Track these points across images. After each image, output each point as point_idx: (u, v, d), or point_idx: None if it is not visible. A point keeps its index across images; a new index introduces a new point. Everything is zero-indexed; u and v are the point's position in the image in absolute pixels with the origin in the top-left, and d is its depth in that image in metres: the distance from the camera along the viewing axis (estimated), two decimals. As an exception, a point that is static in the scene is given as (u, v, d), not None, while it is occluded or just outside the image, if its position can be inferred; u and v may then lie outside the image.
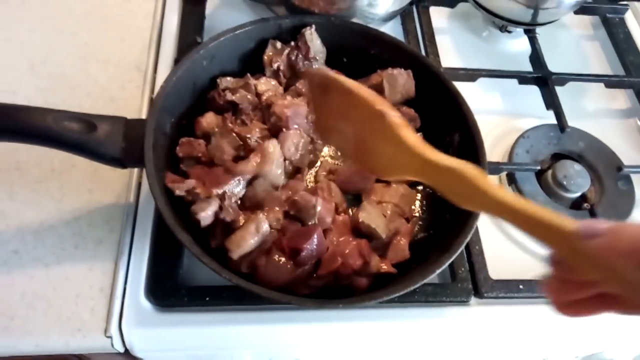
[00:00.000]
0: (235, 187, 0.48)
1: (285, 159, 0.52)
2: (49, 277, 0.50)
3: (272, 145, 0.50)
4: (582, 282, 0.27)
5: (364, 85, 0.58)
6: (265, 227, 0.47)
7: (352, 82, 0.42)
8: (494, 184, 0.32)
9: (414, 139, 0.37)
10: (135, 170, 0.56)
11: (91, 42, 0.65)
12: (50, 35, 0.65)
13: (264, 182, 0.50)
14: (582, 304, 0.28)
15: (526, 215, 0.28)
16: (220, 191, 0.47)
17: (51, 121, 0.44)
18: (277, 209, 0.49)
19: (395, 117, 0.38)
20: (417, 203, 0.56)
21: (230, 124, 0.52)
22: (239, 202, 0.49)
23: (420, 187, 0.57)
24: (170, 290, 0.49)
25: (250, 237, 0.46)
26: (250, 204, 0.49)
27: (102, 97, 0.61)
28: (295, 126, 0.52)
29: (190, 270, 0.51)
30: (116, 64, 0.64)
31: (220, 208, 0.47)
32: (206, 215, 0.46)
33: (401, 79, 0.57)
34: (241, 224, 0.48)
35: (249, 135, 0.51)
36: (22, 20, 0.66)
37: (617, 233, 0.25)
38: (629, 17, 0.82)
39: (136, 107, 0.60)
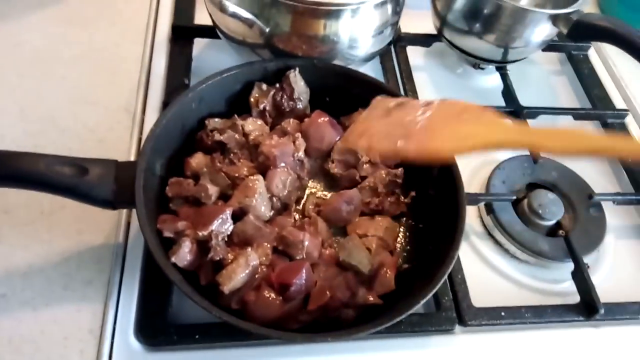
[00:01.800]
0: (222, 225, 0.50)
1: (273, 196, 0.53)
2: (37, 320, 0.50)
3: (255, 179, 0.52)
4: None
5: (346, 123, 0.62)
6: (255, 261, 0.48)
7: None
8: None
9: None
10: (124, 210, 0.56)
11: (80, 86, 0.67)
12: (40, 79, 0.67)
13: (251, 217, 0.51)
14: None
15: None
16: (206, 232, 0.48)
17: (43, 166, 0.45)
18: (265, 244, 0.50)
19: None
20: (400, 235, 0.58)
21: (218, 164, 0.54)
22: (226, 239, 0.50)
23: (403, 219, 0.59)
24: (159, 328, 0.50)
25: (241, 270, 0.47)
26: (239, 240, 0.51)
27: (91, 139, 0.62)
28: (283, 164, 0.54)
29: (179, 308, 0.52)
30: (105, 107, 0.65)
31: (209, 248, 0.48)
32: (181, 257, 0.47)
33: (381, 117, 0.60)
34: (230, 260, 0.49)
35: (237, 174, 0.53)
36: (13, 65, 0.68)
37: None
38: (592, 54, 0.87)
39: (125, 149, 0.62)
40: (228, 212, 0.50)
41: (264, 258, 0.50)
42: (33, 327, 0.49)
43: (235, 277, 0.47)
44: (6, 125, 0.62)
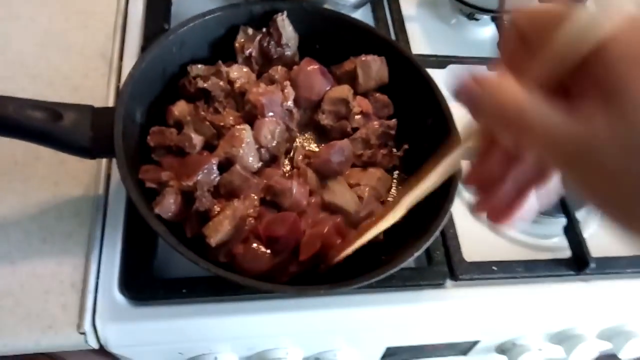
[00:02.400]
0: (208, 176, 0.47)
1: (261, 147, 0.51)
2: (15, 273, 0.48)
3: (241, 128, 0.49)
4: (499, 179, 0.29)
5: (337, 72, 0.59)
6: (241, 212, 0.46)
7: None
8: None
9: None
10: (104, 161, 0.54)
11: (51, 29, 0.62)
12: (6, 21, 0.62)
13: (238, 168, 0.49)
14: (511, 203, 0.30)
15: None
16: (191, 183, 0.46)
17: (13, 110, 0.41)
18: (253, 195, 0.48)
19: None
20: (393, 189, 0.57)
21: (202, 112, 0.51)
22: (212, 190, 0.48)
23: (395, 173, 0.58)
24: (144, 283, 0.48)
25: (227, 222, 0.45)
26: (225, 192, 0.49)
27: (65, 86, 0.58)
28: (271, 114, 0.52)
29: (165, 262, 0.50)
30: (79, 52, 0.61)
31: (194, 199, 0.46)
32: (165, 208, 0.45)
33: (374, 66, 0.57)
34: (216, 212, 0.47)
35: (222, 123, 0.50)
36: (-25, 5, 0.63)
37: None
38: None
39: (102, 97, 0.58)
40: (214, 162, 0.47)
41: (252, 210, 0.48)
42: (12, 281, 0.47)
43: (222, 229, 0.45)
44: (-28, 71, 0.58)
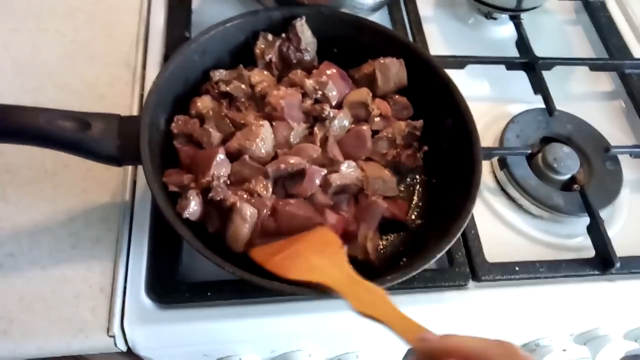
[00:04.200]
0: (221, 169, 0.48)
1: (277, 147, 0.52)
2: (46, 278, 0.49)
3: (260, 124, 0.50)
4: None
5: (356, 75, 0.59)
6: (249, 210, 0.47)
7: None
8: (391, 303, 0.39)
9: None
10: (130, 168, 0.55)
11: (77, 40, 0.64)
12: (34, 34, 0.64)
13: (247, 158, 0.50)
14: None
15: (410, 323, 0.38)
16: (208, 179, 0.47)
17: (44, 121, 0.43)
18: (260, 177, 0.49)
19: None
20: (415, 191, 0.57)
21: (225, 110, 0.52)
22: (228, 181, 0.49)
23: (416, 175, 0.58)
24: (171, 286, 0.49)
25: (241, 227, 0.47)
26: (235, 180, 0.49)
27: (91, 95, 0.60)
28: (290, 118, 0.52)
29: (190, 265, 0.51)
30: (104, 61, 0.63)
31: (209, 189, 0.47)
32: (192, 211, 0.46)
33: (393, 68, 0.57)
34: (231, 201, 0.47)
35: (242, 121, 0.51)
36: (5, 19, 0.65)
37: (444, 337, 0.34)
38: (610, 1, 0.83)
39: (126, 104, 0.59)
40: (220, 153, 0.48)
41: (265, 192, 0.49)
42: (43, 285, 0.49)
43: (242, 234, 0.47)
44: (2, 82, 0.60)
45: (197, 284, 0.50)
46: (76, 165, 0.54)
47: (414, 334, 0.36)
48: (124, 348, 0.48)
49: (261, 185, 0.49)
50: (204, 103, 0.53)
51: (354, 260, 0.51)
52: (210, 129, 0.50)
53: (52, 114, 0.44)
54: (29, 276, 0.49)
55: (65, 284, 0.49)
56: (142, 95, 0.60)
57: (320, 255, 0.46)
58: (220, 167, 0.48)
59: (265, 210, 0.48)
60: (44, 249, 0.50)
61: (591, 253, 0.58)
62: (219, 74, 0.55)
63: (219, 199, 0.47)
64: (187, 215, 0.45)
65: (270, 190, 0.49)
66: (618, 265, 0.56)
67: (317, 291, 0.43)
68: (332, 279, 0.43)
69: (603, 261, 0.57)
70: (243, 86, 0.54)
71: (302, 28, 0.57)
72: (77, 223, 0.52)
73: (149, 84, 0.51)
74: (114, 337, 0.47)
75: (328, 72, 0.57)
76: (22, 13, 0.66)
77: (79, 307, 0.48)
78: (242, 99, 0.53)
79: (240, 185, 0.49)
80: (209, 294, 0.49)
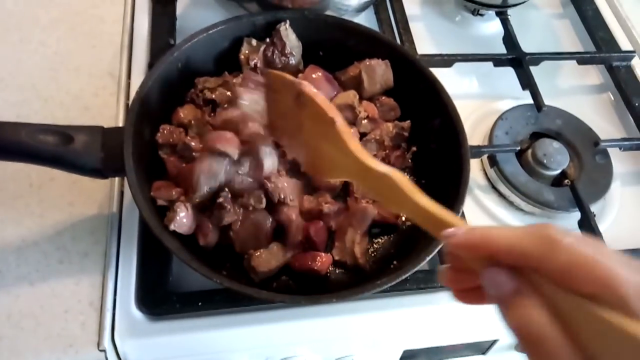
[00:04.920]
0: (209, 181, 0.47)
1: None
2: (35, 295, 0.49)
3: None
4: (473, 272, 0.30)
5: (342, 78, 0.59)
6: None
7: (308, 87, 0.44)
8: (416, 190, 0.36)
9: (356, 146, 0.41)
10: (116, 179, 0.55)
11: (60, 51, 0.64)
12: (17, 46, 0.64)
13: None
14: (474, 293, 0.32)
15: (434, 218, 0.34)
16: (199, 194, 0.46)
17: (25, 135, 0.42)
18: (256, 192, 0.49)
19: (343, 125, 0.42)
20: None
21: (207, 117, 0.52)
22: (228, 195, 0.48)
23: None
24: (161, 298, 0.49)
25: (273, 260, 0.47)
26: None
27: (75, 107, 0.60)
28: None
29: (180, 275, 0.51)
30: (88, 72, 0.62)
31: (221, 210, 0.47)
32: (179, 223, 0.45)
33: (379, 70, 0.57)
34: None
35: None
36: (-14, 32, 0.64)
37: (469, 231, 0.30)
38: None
39: (112, 115, 0.59)
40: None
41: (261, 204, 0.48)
42: (32, 302, 0.48)
43: (268, 265, 0.47)
44: (-14, 96, 0.59)
45: (187, 294, 0.49)
46: (62, 178, 0.53)
47: (439, 230, 0.32)
48: (115, 362, 0.48)
49: (255, 198, 0.48)
50: (185, 112, 0.52)
51: (343, 265, 0.51)
52: (192, 142, 0.49)
53: (34, 128, 0.43)
54: (17, 293, 0.48)
55: (54, 299, 0.48)
56: (127, 105, 0.60)
57: (324, 141, 0.43)
58: (209, 181, 0.47)
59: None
60: (32, 264, 0.50)
61: (583, 248, 0.58)
62: (204, 81, 0.54)
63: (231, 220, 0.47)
64: (175, 228, 0.45)
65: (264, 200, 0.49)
66: (610, 260, 0.55)
67: (307, 298, 0.42)
68: (346, 173, 0.42)
69: (595, 256, 0.56)
70: (228, 93, 0.53)
71: (287, 32, 0.57)
72: (64, 237, 0.52)
73: (133, 94, 0.50)
74: (104, 351, 0.47)
75: (314, 75, 0.57)
76: (4, 26, 0.65)
77: (68, 322, 0.48)
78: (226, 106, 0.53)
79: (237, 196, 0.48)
80: (199, 304, 0.49)
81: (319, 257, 0.49)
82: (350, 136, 0.41)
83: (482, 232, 0.29)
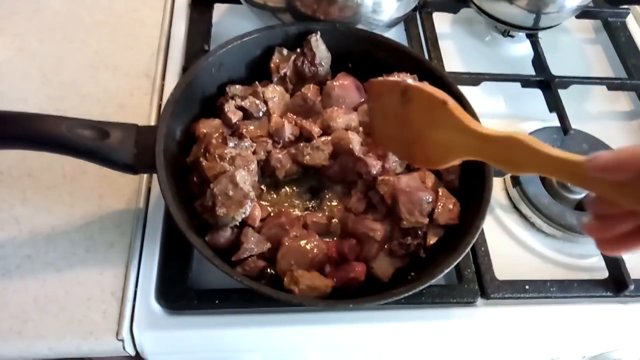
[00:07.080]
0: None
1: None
2: (61, 281, 0.50)
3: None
4: (619, 216, 0.29)
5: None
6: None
7: (412, 81, 0.46)
8: (544, 144, 0.34)
9: (472, 121, 0.40)
10: (145, 175, 0.57)
11: (101, 51, 0.67)
12: (61, 44, 0.67)
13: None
14: (623, 239, 0.30)
15: (569, 162, 0.32)
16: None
17: (65, 129, 0.44)
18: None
19: (455, 104, 0.41)
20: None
21: (223, 139, 0.52)
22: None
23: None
24: (180, 293, 0.50)
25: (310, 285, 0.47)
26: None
27: (111, 105, 0.62)
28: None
29: (199, 273, 0.52)
30: (125, 72, 0.65)
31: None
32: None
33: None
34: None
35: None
36: (34, 30, 0.68)
37: (617, 152, 0.28)
38: (631, 21, 0.82)
39: (145, 114, 0.61)
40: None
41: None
42: (57, 287, 0.50)
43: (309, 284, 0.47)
44: (29, 90, 0.62)
45: (205, 291, 0.50)
46: (94, 172, 0.56)
47: (576, 172, 0.31)
48: (132, 352, 0.49)
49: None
50: (205, 125, 0.53)
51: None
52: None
53: (73, 122, 0.45)
54: (44, 278, 0.50)
55: (79, 287, 0.50)
56: (160, 106, 0.62)
57: (436, 128, 0.42)
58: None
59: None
60: (60, 251, 0.52)
61: (604, 274, 0.57)
62: (234, 89, 0.56)
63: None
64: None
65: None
66: (632, 287, 0.54)
67: (323, 302, 0.43)
68: (465, 151, 0.41)
69: (616, 283, 0.56)
70: (257, 102, 0.55)
71: (317, 43, 0.59)
72: (92, 227, 0.53)
73: (167, 95, 0.52)
74: (122, 341, 0.48)
75: (344, 82, 0.58)
76: (49, 24, 0.68)
77: (90, 310, 0.49)
78: (257, 116, 0.55)
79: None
80: (217, 301, 0.50)
81: (354, 265, 0.49)
82: (464, 113, 0.41)
83: (632, 147, 0.27)
